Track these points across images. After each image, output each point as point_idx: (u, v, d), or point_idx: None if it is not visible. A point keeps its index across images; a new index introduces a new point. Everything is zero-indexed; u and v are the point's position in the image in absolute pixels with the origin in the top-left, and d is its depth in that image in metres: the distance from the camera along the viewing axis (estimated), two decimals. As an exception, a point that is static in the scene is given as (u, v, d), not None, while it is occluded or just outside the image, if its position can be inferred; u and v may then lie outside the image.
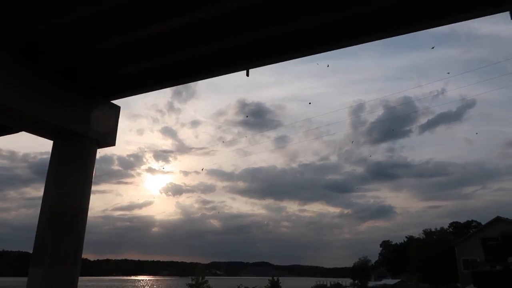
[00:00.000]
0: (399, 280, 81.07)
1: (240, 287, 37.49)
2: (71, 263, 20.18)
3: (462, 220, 74.19)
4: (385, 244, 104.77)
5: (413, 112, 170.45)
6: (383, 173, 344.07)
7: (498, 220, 32.90)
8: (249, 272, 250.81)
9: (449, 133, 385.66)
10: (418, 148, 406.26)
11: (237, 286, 37.78)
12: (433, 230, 49.94)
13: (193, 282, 36.10)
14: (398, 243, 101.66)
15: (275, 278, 39.16)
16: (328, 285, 73.42)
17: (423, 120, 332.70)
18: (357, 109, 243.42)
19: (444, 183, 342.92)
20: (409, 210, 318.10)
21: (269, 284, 37.04)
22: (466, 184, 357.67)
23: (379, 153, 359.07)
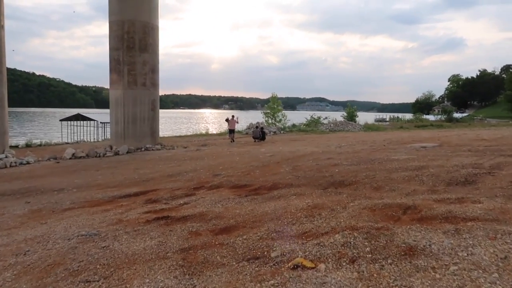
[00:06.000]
0: (466, 114, 78.82)
1: (313, 116, 37.61)
2: (150, 84, 19.06)
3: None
4: (454, 78, 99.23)
5: None
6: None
7: None
8: (306, 107, 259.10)
9: None
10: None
11: (311, 115, 37.90)
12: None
13: (268, 110, 36.70)
14: (469, 77, 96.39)
15: (352, 108, 38.77)
16: (387, 119, 71.85)
17: None
18: None
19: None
20: (482, 43, 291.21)
21: (345, 114, 36.97)
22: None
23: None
